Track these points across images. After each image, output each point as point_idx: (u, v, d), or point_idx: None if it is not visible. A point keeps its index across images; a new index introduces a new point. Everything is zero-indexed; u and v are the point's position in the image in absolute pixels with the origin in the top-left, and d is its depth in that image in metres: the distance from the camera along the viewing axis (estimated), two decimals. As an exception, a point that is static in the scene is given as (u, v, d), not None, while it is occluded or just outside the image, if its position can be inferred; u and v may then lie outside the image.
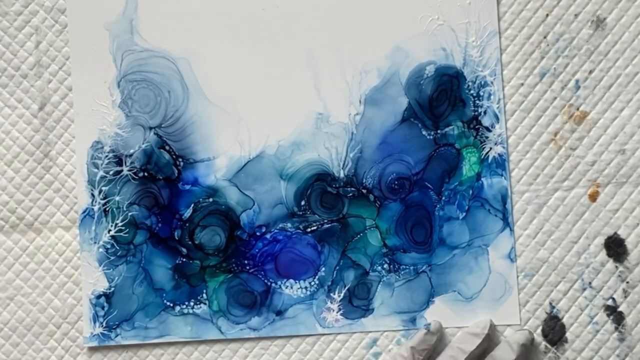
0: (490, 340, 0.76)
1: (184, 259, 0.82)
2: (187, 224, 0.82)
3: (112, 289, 0.82)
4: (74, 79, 0.83)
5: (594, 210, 0.78)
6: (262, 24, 0.82)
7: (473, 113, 0.80)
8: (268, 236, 0.81)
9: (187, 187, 0.82)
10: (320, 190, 0.81)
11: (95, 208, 0.82)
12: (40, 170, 0.83)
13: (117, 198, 0.82)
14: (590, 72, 0.79)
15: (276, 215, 0.81)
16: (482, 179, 0.79)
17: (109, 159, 0.82)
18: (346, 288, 0.80)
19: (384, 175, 0.80)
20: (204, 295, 0.81)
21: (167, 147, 0.82)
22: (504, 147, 0.79)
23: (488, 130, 0.79)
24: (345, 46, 0.81)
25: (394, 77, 0.80)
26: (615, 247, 0.78)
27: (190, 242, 0.82)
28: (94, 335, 0.82)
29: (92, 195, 0.82)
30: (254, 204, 0.81)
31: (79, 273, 0.82)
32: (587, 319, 0.77)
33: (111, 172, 0.82)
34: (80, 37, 0.83)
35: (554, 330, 0.78)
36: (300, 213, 0.81)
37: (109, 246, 0.82)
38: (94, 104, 0.83)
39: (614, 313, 0.77)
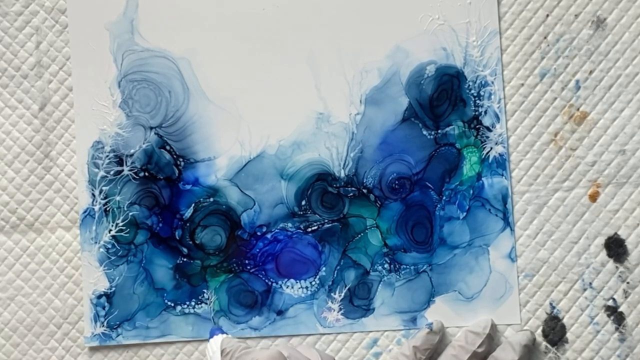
0: (491, 340, 0.77)
1: (185, 259, 0.82)
2: (187, 224, 0.82)
3: (113, 288, 0.82)
4: (74, 79, 0.83)
5: (594, 210, 0.78)
6: (262, 24, 0.82)
7: (473, 113, 0.80)
8: (269, 236, 0.81)
9: (188, 187, 0.82)
10: (321, 190, 0.81)
11: (96, 208, 0.82)
12: (41, 171, 0.83)
13: (118, 198, 0.82)
14: (591, 72, 0.79)
15: (277, 215, 0.81)
16: (482, 178, 0.79)
17: (109, 159, 0.82)
18: (347, 288, 0.80)
19: (384, 175, 0.80)
20: (205, 295, 0.81)
21: (167, 147, 0.82)
22: (504, 147, 0.79)
23: (489, 130, 0.79)
24: (346, 46, 0.81)
25: (395, 77, 0.80)
26: (616, 248, 0.78)
27: (191, 242, 0.82)
28: (95, 335, 0.82)
29: (93, 195, 0.82)
30: (254, 204, 0.81)
31: (79, 273, 0.82)
32: (587, 319, 0.78)
33: (112, 172, 0.82)
34: (80, 37, 0.83)
35: (555, 331, 0.78)
36: (301, 213, 0.81)
37: (109, 246, 0.82)
38: (95, 104, 0.83)
39: (615, 313, 0.77)
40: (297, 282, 0.81)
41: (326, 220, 0.81)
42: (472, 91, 0.80)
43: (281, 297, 0.81)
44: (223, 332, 0.77)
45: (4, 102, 0.84)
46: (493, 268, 0.79)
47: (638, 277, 0.77)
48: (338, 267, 0.80)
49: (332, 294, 0.80)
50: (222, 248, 0.81)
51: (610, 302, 0.77)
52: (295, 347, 0.64)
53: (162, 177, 0.82)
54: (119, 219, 0.82)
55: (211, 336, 0.77)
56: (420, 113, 0.80)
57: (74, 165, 0.83)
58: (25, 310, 0.83)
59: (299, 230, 0.81)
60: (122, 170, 0.82)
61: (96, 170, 0.82)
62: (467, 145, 0.80)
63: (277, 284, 0.81)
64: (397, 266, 0.80)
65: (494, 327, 0.77)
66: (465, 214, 0.79)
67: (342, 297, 0.80)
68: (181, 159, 0.82)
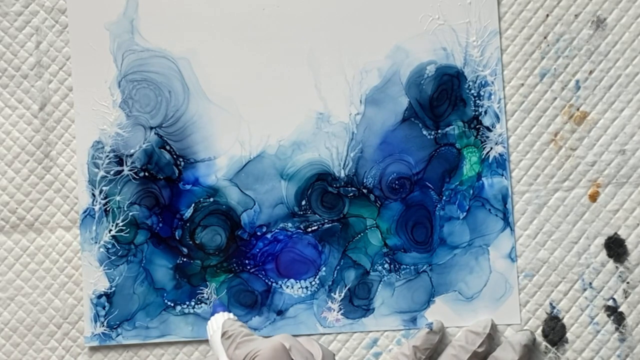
0: (491, 340, 0.77)
1: (185, 259, 0.82)
2: (187, 224, 0.82)
3: (113, 288, 0.82)
4: (74, 79, 0.83)
5: (594, 210, 0.78)
6: (262, 24, 0.82)
7: (474, 113, 0.80)
8: (269, 236, 0.81)
9: (188, 187, 0.82)
10: (321, 190, 0.81)
11: (96, 208, 0.82)
12: (41, 171, 0.83)
13: (118, 198, 0.82)
14: (591, 72, 0.79)
15: (277, 215, 0.81)
16: (482, 178, 0.79)
17: (109, 158, 0.82)
18: (347, 288, 0.80)
19: (384, 175, 0.80)
20: (205, 295, 0.81)
21: (167, 147, 0.82)
22: (504, 147, 0.79)
23: (489, 130, 0.79)
24: (346, 46, 0.81)
25: (395, 77, 0.80)
26: (616, 248, 0.78)
27: (191, 242, 0.82)
28: (94, 335, 0.82)
29: (93, 195, 0.82)
30: (254, 204, 0.81)
31: (79, 273, 0.82)
32: (587, 319, 0.78)
33: (112, 172, 0.82)
34: (80, 37, 0.83)
35: (555, 331, 0.78)
36: (301, 213, 0.81)
37: (109, 246, 0.82)
38: (95, 104, 0.83)
39: (615, 313, 0.77)
40: (297, 282, 0.81)
41: (326, 220, 0.81)
42: (472, 91, 0.80)
43: (281, 297, 0.81)
44: (225, 310, 0.75)
45: (4, 102, 0.84)
46: (493, 268, 0.79)
47: (638, 277, 0.77)
48: (338, 267, 0.80)
49: (332, 294, 0.80)
50: (222, 248, 0.81)
51: (610, 302, 0.77)
52: (297, 339, 0.64)
53: (162, 177, 0.82)
54: (119, 219, 0.82)
55: (214, 312, 0.74)
56: (420, 113, 0.80)
57: (74, 165, 0.83)
58: (25, 310, 0.83)
59: (299, 230, 0.81)
60: (122, 170, 0.82)
61: (96, 170, 0.82)
62: (467, 145, 0.80)
63: (277, 284, 0.81)
64: (397, 266, 0.80)
65: (494, 327, 0.77)
66: (465, 214, 0.79)
67: (342, 297, 0.80)
68: (181, 159, 0.82)
